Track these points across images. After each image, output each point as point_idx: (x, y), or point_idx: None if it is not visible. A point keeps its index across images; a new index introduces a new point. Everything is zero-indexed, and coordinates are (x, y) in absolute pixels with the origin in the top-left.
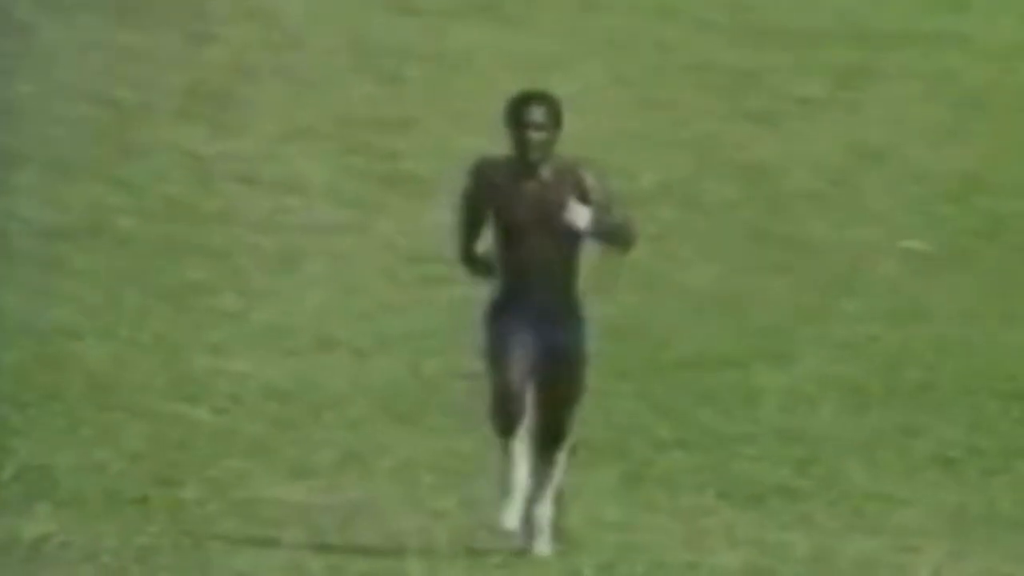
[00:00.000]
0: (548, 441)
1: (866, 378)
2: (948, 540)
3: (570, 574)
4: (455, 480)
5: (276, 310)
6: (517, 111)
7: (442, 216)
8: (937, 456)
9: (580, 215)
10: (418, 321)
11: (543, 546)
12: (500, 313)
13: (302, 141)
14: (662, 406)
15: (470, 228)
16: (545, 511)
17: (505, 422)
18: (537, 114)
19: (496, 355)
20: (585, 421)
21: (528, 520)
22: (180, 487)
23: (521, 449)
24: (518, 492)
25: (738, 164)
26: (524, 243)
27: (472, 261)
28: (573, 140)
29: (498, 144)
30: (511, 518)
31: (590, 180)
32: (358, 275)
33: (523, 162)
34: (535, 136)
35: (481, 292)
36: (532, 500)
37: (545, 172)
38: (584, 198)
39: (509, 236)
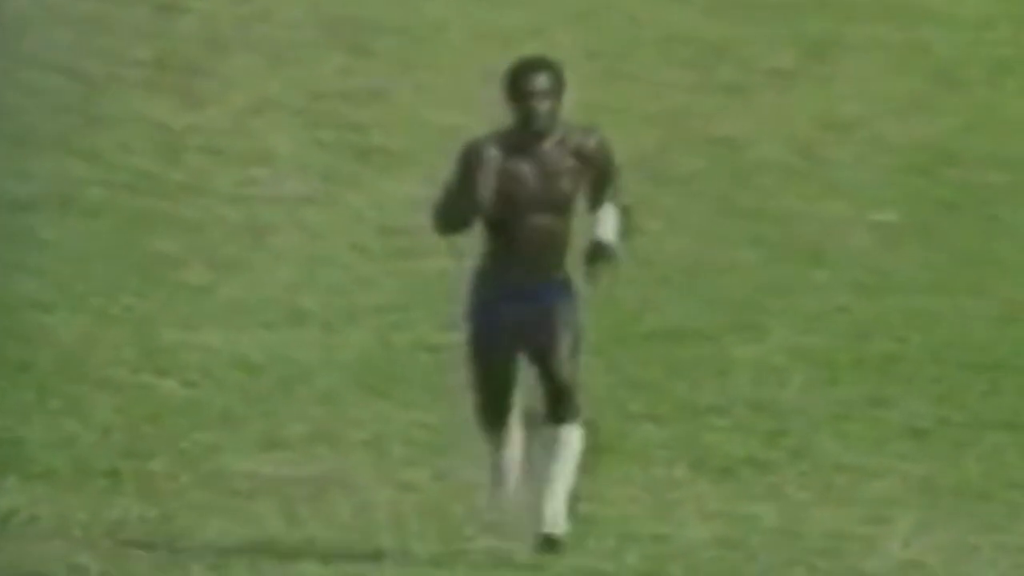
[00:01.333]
0: (560, 409)
1: (835, 350)
2: (917, 511)
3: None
4: (426, 452)
5: (246, 283)
6: (518, 80)
7: (413, 189)
8: (906, 427)
9: (606, 224)
10: (388, 294)
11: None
12: (486, 294)
13: (271, 113)
14: (632, 379)
15: (461, 218)
16: (558, 507)
17: (491, 418)
18: (541, 81)
19: (480, 346)
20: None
21: (528, 509)
22: (150, 460)
23: (510, 435)
24: (510, 476)
25: (708, 136)
26: (519, 221)
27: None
28: None
29: (471, 116)
30: (501, 504)
31: (592, 145)
32: (328, 248)
33: (527, 135)
34: (540, 106)
35: (456, 265)
36: (543, 492)
37: (546, 144)
38: (584, 163)
39: (503, 215)
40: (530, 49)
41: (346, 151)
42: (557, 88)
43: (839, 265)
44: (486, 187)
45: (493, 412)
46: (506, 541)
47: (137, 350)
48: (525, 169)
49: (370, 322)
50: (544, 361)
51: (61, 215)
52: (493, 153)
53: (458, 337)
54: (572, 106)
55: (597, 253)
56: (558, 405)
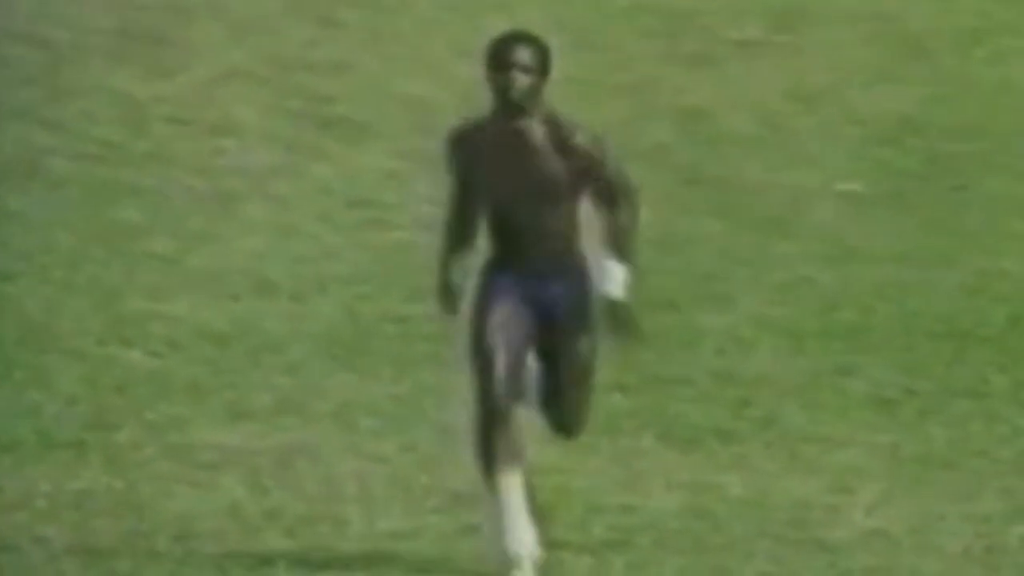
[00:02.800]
0: (561, 422)
1: (802, 320)
2: (883, 480)
3: None
4: (394, 424)
5: (212, 253)
6: (500, 51)
7: (379, 160)
8: (872, 397)
9: (614, 279)
10: (356, 265)
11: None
12: (495, 278)
13: (237, 84)
14: (599, 349)
15: (461, 208)
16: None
17: (492, 455)
18: (523, 55)
19: (484, 359)
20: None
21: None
22: (115, 431)
23: (516, 481)
24: (522, 516)
25: (675, 107)
26: (515, 211)
27: (454, 251)
28: None
29: (438, 87)
30: (521, 542)
31: (580, 140)
32: (295, 219)
33: (506, 111)
34: (520, 78)
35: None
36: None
37: (532, 127)
38: (570, 161)
39: (498, 205)
40: (496, 20)
41: (312, 122)
42: (541, 65)
43: (806, 235)
44: (478, 175)
45: (491, 447)
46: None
47: (102, 320)
48: (511, 156)
49: (337, 293)
50: (556, 360)
51: (26, 185)
52: (477, 135)
53: (457, 357)
54: None
55: (614, 315)
56: (566, 415)
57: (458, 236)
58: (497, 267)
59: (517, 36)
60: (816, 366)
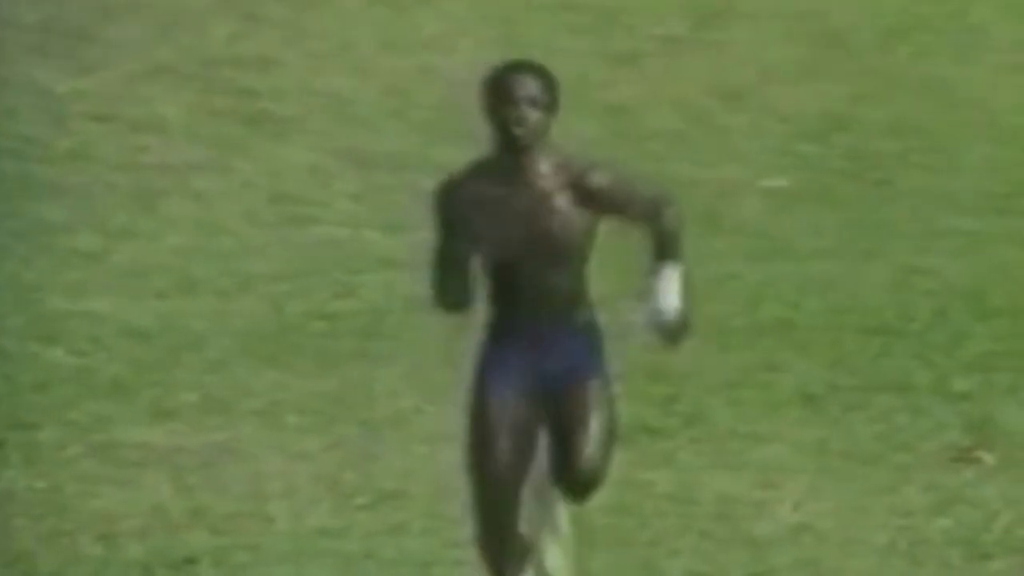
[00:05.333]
0: (575, 496)
1: (728, 316)
2: (809, 475)
3: (434, 514)
4: (319, 422)
5: (135, 250)
6: (504, 82)
7: (304, 156)
8: (798, 393)
9: (670, 286)
10: (281, 262)
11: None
12: (495, 350)
13: (160, 79)
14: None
15: (450, 272)
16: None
17: (498, 559)
18: (531, 87)
19: (490, 416)
20: (454, 363)
21: None
22: (37, 430)
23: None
24: None
25: (600, 104)
26: (518, 270)
27: (455, 304)
28: (438, 79)
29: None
30: None
31: (597, 181)
32: (219, 215)
33: (511, 151)
34: (528, 114)
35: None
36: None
37: (539, 169)
38: (585, 203)
39: (497, 264)
40: (422, 16)
41: (237, 118)
42: (550, 99)
43: (732, 232)
44: (476, 231)
45: (503, 527)
46: None
47: (24, 318)
48: (513, 206)
49: (262, 290)
50: (568, 444)
51: None
52: (472, 187)
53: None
54: (467, 74)
55: (670, 326)
56: (575, 494)
57: (450, 296)
58: (494, 337)
59: (523, 66)
60: (743, 362)
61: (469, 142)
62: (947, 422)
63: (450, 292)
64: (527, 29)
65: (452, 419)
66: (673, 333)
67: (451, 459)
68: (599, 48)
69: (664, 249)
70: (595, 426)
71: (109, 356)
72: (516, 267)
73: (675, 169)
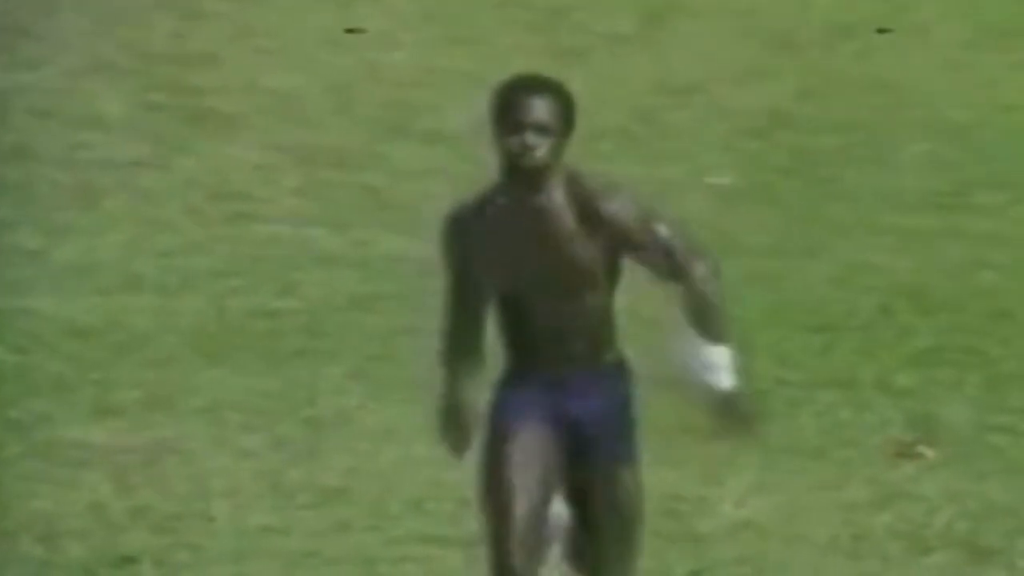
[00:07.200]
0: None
1: (674, 312)
2: (753, 471)
3: (378, 511)
4: (262, 419)
5: (78, 247)
6: (509, 106)
7: (246, 153)
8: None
9: (716, 365)
10: (224, 259)
11: None
12: (504, 416)
13: (103, 75)
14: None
15: (463, 309)
16: None
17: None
18: (539, 110)
19: (497, 507)
20: (398, 360)
21: None
22: None
23: None
24: None
25: None
26: (531, 307)
27: (460, 359)
28: (382, 76)
29: (306, 80)
30: None
31: (608, 208)
32: (161, 212)
33: (518, 185)
34: (536, 141)
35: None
36: None
37: (550, 198)
38: (594, 230)
39: (509, 300)
40: (366, 11)
41: (179, 115)
42: (563, 121)
43: None
44: (487, 263)
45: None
46: None
47: None
48: (523, 237)
49: (205, 287)
50: (588, 502)
51: None
52: (479, 218)
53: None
54: (412, 71)
55: (728, 410)
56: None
57: (462, 346)
58: (512, 381)
59: (532, 84)
60: None
61: (413, 139)
62: (890, 417)
63: (462, 339)
64: (473, 25)
65: (395, 416)
66: (732, 419)
67: (394, 456)
68: (544, 45)
69: (698, 321)
70: (616, 518)
71: (51, 354)
72: (530, 304)
73: (620, 166)
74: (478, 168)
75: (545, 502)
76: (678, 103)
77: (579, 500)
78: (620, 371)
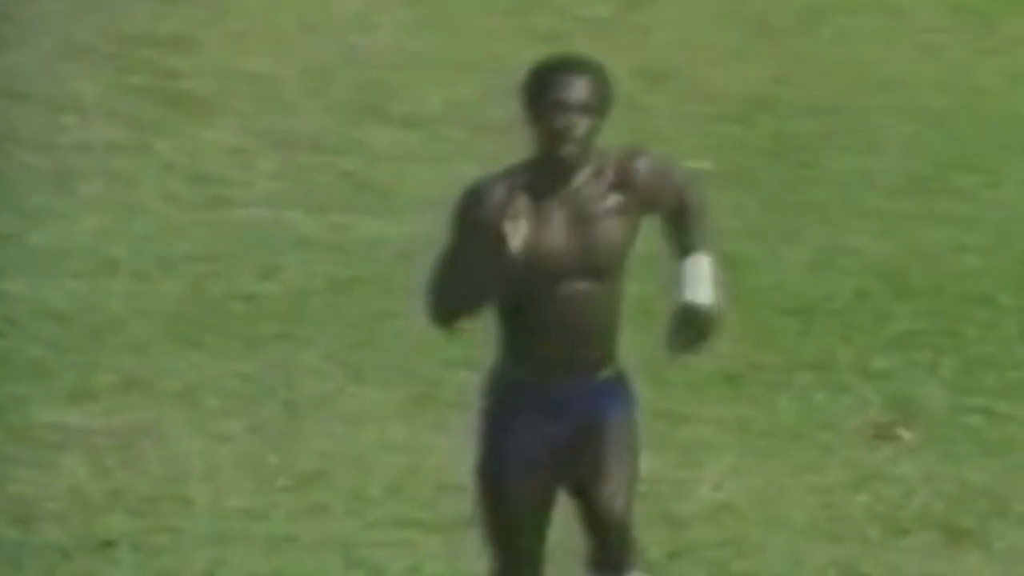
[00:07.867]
0: (613, 557)
1: (651, 297)
2: (731, 454)
3: (356, 495)
4: (240, 403)
5: (54, 231)
6: (551, 86)
7: (223, 137)
8: (720, 372)
9: (699, 276)
10: (201, 243)
11: None
12: (507, 404)
13: (78, 58)
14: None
15: (459, 277)
16: None
17: None
18: (579, 91)
19: (503, 485)
20: (376, 344)
21: None
22: None
23: None
24: None
25: None
26: (546, 292)
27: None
28: (359, 59)
29: (284, 64)
30: None
31: (639, 168)
32: (138, 196)
33: (551, 168)
34: (576, 122)
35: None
36: None
37: (578, 179)
38: (630, 196)
39: (529, 283)
40: None
41: (156, 98)
42: (600, 101)
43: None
44: (511, 245)
45: None
46: None
47: None
48: (553, 217)
49: (182, 271)
50: (592, 494)
51: None
52: (508, 197)
53: (469, 479)
54: (389, 54)
55: (690, 320)
56: (611, 553)
57: (449, 311)
58: (510, 381)
59: (570, 64)
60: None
61: (390, 123)
62: (867, 400)
63: (453, 298)
64: (450, 9)
65: (374, 400)
66: (702, 329)
67: (372, 440)
68: (522, 29)
69: (690, 234)
70: (616, 474)
71: (27, 337)
72: (544, 293)
73: None
74: (456, 151)
75: (547, 519)
76: (656, 87)
77: (587, 492)
78: (622, 381)
